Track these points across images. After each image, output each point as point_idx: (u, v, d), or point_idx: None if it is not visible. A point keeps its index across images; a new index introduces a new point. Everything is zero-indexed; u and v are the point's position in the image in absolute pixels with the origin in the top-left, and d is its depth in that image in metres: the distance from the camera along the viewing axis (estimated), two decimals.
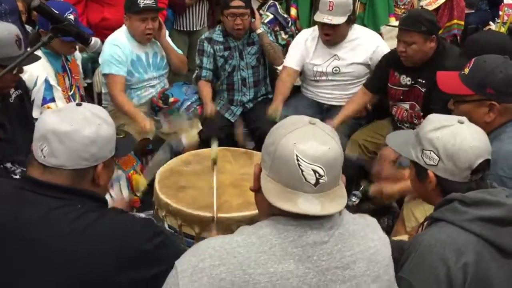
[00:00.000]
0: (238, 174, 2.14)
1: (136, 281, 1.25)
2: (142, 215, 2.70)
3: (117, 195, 2.62)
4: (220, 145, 3.07)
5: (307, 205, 1.09)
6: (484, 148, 1.42)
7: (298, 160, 1.09)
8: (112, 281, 1.22)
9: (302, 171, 1.09)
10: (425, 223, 1.50)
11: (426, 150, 1.45)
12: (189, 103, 3.34)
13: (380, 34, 3.61)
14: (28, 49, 2.15)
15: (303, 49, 3.33)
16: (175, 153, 3.26)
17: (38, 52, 2.54)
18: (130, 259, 1.24)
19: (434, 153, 1.43)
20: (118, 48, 3.08)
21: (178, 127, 3.08)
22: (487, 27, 4.29)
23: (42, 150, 1.27)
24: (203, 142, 3.13)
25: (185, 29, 4.04)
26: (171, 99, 3.24)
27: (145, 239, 1.28)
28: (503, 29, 3.81)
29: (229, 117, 3.48)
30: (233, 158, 2.38)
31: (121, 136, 1.45)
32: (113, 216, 1.31)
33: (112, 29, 3.28)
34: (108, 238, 1.24)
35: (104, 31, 3.33)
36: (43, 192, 1.27)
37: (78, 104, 1.35)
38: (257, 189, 1.20)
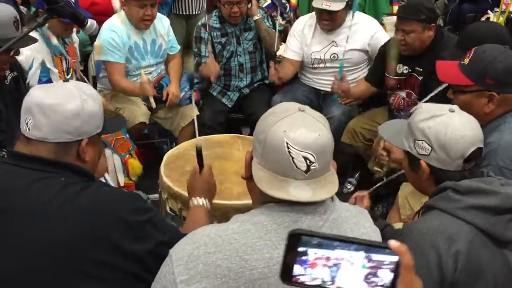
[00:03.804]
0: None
1: (119, 253, 1.23)
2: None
3: None
4: (217, 131, 3.09)
5: (298, 192, 1.09)
6: (476, 137, 1.41)
7: (288, 147, 1.08)
8: (94, 255, 1.21)
9: (292, 158, 1.08)
10: (420, 212, 1.50)
11: (418, 140, 1.44)
12: (183, 93, 3.33)
13: (382, 24, 3.58)
14: (24, 29, 2.12)
15: (300, 38, 3.31)
16: (173, 140, 3.28)
17: (35, 34, 2.52)
18: (112, 229, 1.23)
19: (426, 143, 1.42)
20: (116, 34, 3.05)
21: None
22: (485, 16, 4.27)
23: (27, 124, 1.29)
24: (204, 126, 3.14)
25: (183, 13, 4.00)
26: (165, 90, 3.23)
27: (128, 211, 1.27)
28: (501, 19, 3.78)
29: (226, 102, 3.48)
30: (243, 146, 2.38)
31: (111, 116, 1.46)
32: (97, 189, 1.30)
33: (103, 14, 3.24)
34: (89, 212, 1.24)
35: (96, 16, 3.27)
36: (27, 165, 1.28)
37: (65, 80, 1.38)
38: (248, 177, 1.20)
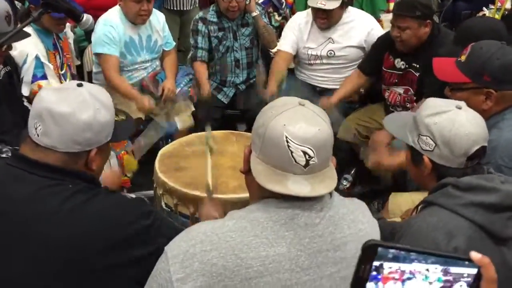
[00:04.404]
0: (239, 157, 2.14)
1: (126, 261, 1.23)
2: (133, 196, 2.70)
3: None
4: (213, 127, 3.08)
5: (297, 186, 1.08)
6: (480, 135, 1.40)
7: (287, 141, 1.08)
8: (101, 262, 1.20)
9: (291, 152, 1.08)
10: (419, 207, 1.50)
11: (422, 135, 1.44)
12: (179, 89, 3.31)
13: (380, 21, 3.58)
14: (18, 25, 2.10)
15: (297, 33, 3.30)
16: (169, 136, 3.26)
17: (29, 29, 2.50)
18: (119, 240, 1.23)
19: (431, 138, 1.41)
20: (112, 29, 3.02)
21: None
22: (481, 13, 4.27)
23: (36, 128, 1.25)
24: (197, 123, 3.12)
25: (175, 9, 3.98)
26: (161, 85, 3.21)
27: (135, 218, 1.27)
28: (497, 16, 3.80)
29: (221, 99, 3.46)
30: (237, 142, 2.37)
31: (121, 119, 1.42)
32: (104, 197, 1.29)
33: (100, 9, 3.21)
34: (97, 219, 1.23)
35: (91, 11, 3.25)
36: (33, 170, 1.25)
37: (79, 84, 1.31)
38: (247, 171, 1.19)
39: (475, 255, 0.72)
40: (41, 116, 1.24)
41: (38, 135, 1.25)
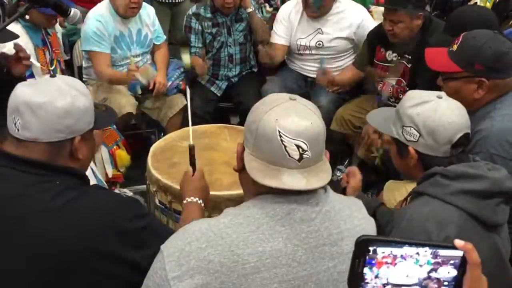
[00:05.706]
0: (233, 152, 2.13)
1: (118, 261, 1.21)
2: (129, 192, 2.69)
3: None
4: (206, 120, 3.07)
5: (292, 180, 1.08)
6: (463, 123, 1.42)
7: (280, 136, 1.08)
8: (93, 261, 1.19)
9: (285, 147, 1.08)
10: (409, 198, 1.51)
11: (406, 126, 1.45)
12: (171, 82, 3.29)
13: (370, 12, 3.56)
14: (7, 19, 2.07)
15: (287, 23, 3.29)
16: (161, 129, 3.25)
17: (17, 25, 2.48)
18: (111, 238, 1.21)
19: (414, 129, 1.43)
20: (101, 24, 2.99)
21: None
22: (472, 2, 4.27)
23: (15, 124, 1.23)
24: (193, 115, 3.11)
25: (166, 1, 3.95)
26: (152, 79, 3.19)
27: (127, 218, 1.25)
28: (488, 4, 3.79)
29: (215, 91, 3.45)
30: (230, 135, 2.36)
31: (102, 110, 1.41)
32: (95, 193, 1.28)
33: (89, 1, 3.17)
34: (90, 217, 1.21)
35: (80, 3, 3.22)
36: (19, 167, 1.23)
37: (53, 76, 1.30)
38: (241, 169, 1.19)
39: (458, 242, 0.76)
40: (19, 110, 1.22)
41: (18, 130, 1.23)
